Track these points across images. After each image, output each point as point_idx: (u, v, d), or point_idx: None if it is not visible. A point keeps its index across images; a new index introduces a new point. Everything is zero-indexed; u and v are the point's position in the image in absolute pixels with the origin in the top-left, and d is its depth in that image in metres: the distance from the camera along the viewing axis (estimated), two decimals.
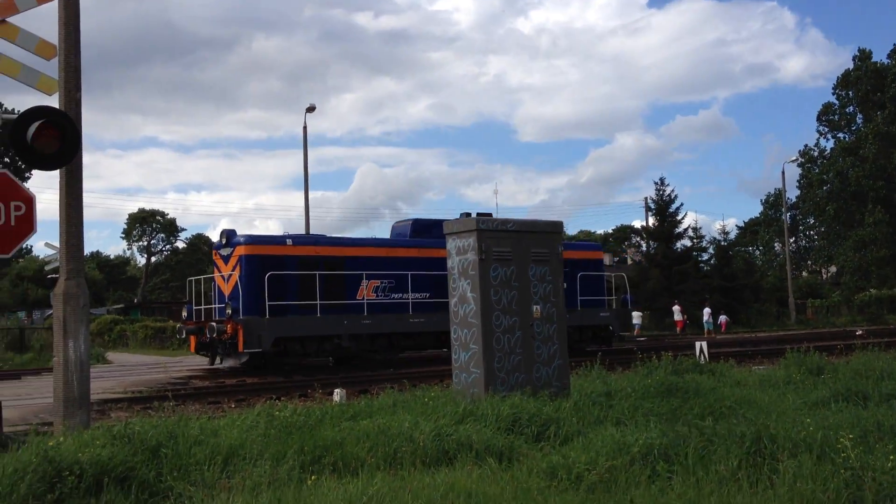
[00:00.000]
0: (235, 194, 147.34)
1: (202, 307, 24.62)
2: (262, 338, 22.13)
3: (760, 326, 53.30)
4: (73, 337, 10.82)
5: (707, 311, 45.88)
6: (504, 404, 9.28)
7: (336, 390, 14.02)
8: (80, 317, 10.93)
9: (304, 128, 40.73)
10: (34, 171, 52.25)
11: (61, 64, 10.81)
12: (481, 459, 7.71)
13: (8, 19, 10.54)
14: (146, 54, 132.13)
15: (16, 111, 10.92)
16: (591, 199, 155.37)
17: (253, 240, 24.05)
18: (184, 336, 24.51)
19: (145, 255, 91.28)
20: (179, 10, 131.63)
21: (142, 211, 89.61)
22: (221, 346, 22.61)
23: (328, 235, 27.16)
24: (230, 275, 23.31)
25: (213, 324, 22.78)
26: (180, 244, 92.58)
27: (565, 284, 27.76)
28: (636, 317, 47.36)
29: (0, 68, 10.59)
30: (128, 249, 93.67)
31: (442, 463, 7.72)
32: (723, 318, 48.39)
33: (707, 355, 19.27)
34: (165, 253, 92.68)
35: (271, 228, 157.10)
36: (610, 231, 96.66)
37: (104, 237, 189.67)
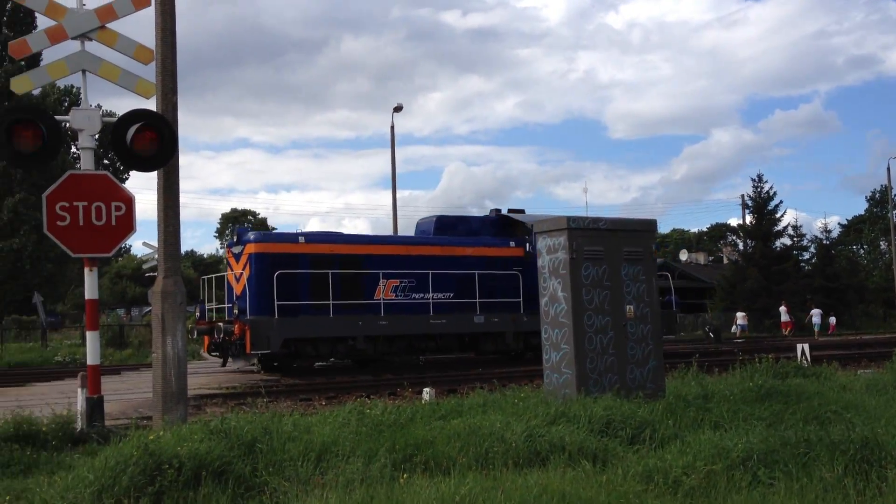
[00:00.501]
0: (324, 194, 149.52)
1: (214, 307, 24.20)
2: (271, 339, 21.43)
3: (866, 329, 51.53)
4: (170, 334, 11.07)
5: (817, 312, 44.50)
6: (597, 406, 9.13)
7: (425, 389, 14.03)
8: (177, 314, 11.18)
9: (392, 127, 40.99)
10: (132, 173, 53.87)
11: (158, 68, 11.07)
12: (574, 461, 7.58)
13: (107, 25, 10.86)
14: (239, 57, 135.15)
15: (115, 114, 11.20)
16: (685, 197, 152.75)
17: (263, 237, 23.49)
18: (195, 336, 23.90)
19: None
20: (271, 12, 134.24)
21: (234, 211, 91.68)
22: (231, 347, 21.99)
23: (345, 233, 25.93)
24: (241, 273, 22.65)
25: (220, 324, 22.48)
26: None
27: None
28: (741, 318, 46.23)
29: (101, 73, 10.91)
30: (221, 248, 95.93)
31: (534, 464, 7.62)
32: (832, 320, 46.96)
33: (809, 358, 18.66)
34: None
35: (360, 228, 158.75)
36: (704, 229, 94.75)
37: (198, 237, 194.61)
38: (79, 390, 10.80)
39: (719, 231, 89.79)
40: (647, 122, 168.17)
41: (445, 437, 8.10)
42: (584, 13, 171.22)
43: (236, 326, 21.59)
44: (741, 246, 61.17)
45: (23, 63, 43.17)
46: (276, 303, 21.62)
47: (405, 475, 7.08)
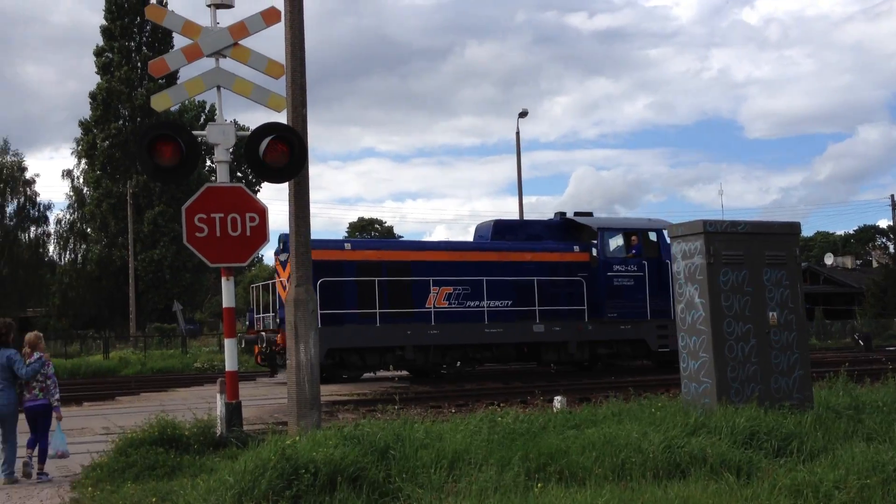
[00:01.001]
0: (450, 201, 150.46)
1: (261, 315, 23.66)
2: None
3: None
4: (303, 341, 11.25)
5: None
6: (739, 416, 8.77)
7: (556, 397, 13.86)
8: (309, 322, 11.36)
9: (517, 133, 40.90)
10: (264, 184, 55.50)
11: (288, 82, 11.29)
12: (717, 474, 7.30)
13: (240, 42, 11.14)
14: (365, 67, 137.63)
15: (247, 128, 11.50)
16: (830, 198, 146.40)
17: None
18: (243, 346, 23.10)
19: None
20: (395, 22, 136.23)
21: (361, 220, 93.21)
22: (277, 357, 21.35)
23: (393, 239, 25.59)
24: (286, 281, 22.30)
25: (263, 333, 22.04)
26: None
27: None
28: None
29: (235, 88, 11.20)
30: None
31: (673, 476, 7.38)
32: None
33: None
34: None
35: None
36: (851, 232, 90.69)
37: None
38: (218, 396, 11.08)
39: (867, 233, 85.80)
40: (786, 121, 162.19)
41: (580, 446, 7.93)
42: (717, 10, 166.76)
43: (279, 336, 20.99)
44: (892, 249, 58.29)
45: (162, 81, 45.16)
46: (318, 311, 20.86)
47: (539, 485, 6.95)
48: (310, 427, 10.55)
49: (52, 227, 54.40)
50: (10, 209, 51.15)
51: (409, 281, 22.29)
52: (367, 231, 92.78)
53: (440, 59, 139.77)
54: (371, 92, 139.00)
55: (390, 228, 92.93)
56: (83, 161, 52.39)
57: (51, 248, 54.41)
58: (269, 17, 11.09)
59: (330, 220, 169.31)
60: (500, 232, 24.49)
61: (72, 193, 55.07)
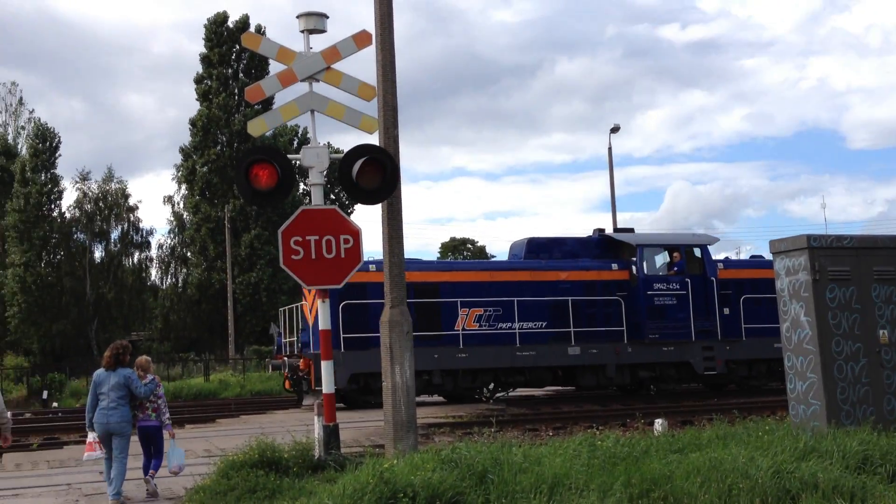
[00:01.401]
0: (543, 219, 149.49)
1: (287, 340, 23.11)
2: (336, 373, 20.12)
3: None
4: (398, 363, 11.24)
5: None
6: (851, 440, 8.38)
7: (657, 420, 13.54)
8: (404, 343, 11.34)
9: (609, 149, 40.45)
10: (356, 206, 56.16)
11: (380, 104, 11.35)
12: (829, 501, 6.99)
13: (332, 66, 11.27)
14: (455, 87, 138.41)
15: (340, 150, 11.60)
16: None
17: None
18: (270, 371, 22.58)
19: None
20: (485, 41, 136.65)
21: (453, 239, 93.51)
22: (304, 382, 20.92)
23: (421, 259, 24.02)
24: (313, 304, 21.24)
25: (286, 358, 21.60)
26: None
27: (727, 310, 22.93)
28: None
29: (328, 112, 11.32)
30: None
31: (783, 503, 7.05)
32: None
33: None
34: None
35: None
36: None
37: None
38: (315, 418, 11.14)
39: None
40: (891, 130, 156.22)
41: (684, 471, 7.68)
42: (814, 17, 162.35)
43: (302, 361, 20.74)
44: None
45: (258, 107, 46.24)
46: (341, 335, 20.38)
47: None
48: (407, 450, 10.51)
49: (154, 252, 56.17)
50: (114, 235, 53.00)
51: (437, 302, 21.60)
52: (460, 251, 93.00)
53: (530, 76, 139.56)
54: (461, 111, 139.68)
55: (483, 248, 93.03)
56: (183, 186, 53.97)
57: (153, 272, 56.19)
58: (361, 40, 11.19)
59: (422, 240, 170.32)
60: (534, 250, 23.43)
61: (172, 218, 56.75)
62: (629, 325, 22.35)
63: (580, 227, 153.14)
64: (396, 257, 11.51)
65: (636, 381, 23.20)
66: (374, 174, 10.78)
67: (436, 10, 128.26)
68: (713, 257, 23.68)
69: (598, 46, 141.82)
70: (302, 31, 11.23)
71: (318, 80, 11.22)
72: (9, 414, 8.95)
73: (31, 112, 58.60)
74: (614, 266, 23.00)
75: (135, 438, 10.42)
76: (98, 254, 52.40)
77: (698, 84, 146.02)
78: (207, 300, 51.76)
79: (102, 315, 49.79)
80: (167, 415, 10.63)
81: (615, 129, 40.05)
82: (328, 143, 62.74)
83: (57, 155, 49.55)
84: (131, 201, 53.58)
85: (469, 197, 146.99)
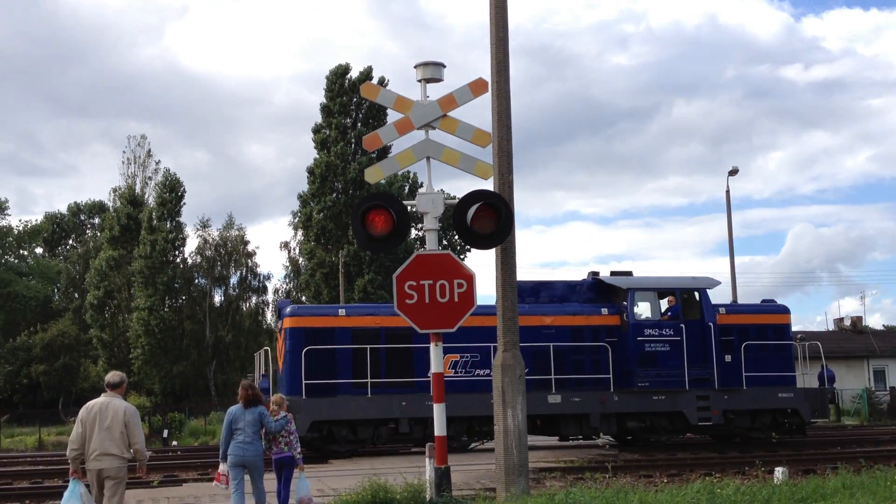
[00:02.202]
0: (657, 263, 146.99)
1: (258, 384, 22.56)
2: (296, 421, 19.50)
3: None
4: (510, 406, 11.30)
5: None
6: None
7: (778, 468, 13.12)
8: (517, 387, 11.40)
9: (727, 191, 39.71)
10: (468, 250, 56.51)
11: (495, 149, 11.55)
12: None
13: (448, 113, 11.53)
14: (569, 131, 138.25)
15: (452, 196, 11.82)
16: None
17: (298, 311, 21.66)
18: None
19: None
20: (600, 84, 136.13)
21: None
22: None
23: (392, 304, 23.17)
24: (282, 349, 21.02)
25: None
26: None
27: (728, 357, 21.51)
28: None
29: (443, 158, 11.57)
30: None
31: None
32: None
33: None
34: None
35: None
36: None
37: None
38: (427, 460, 11.26)
39: None
40: None
41: None
42: None
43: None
44: None
45: (373, 155, 47.27)
46: (303, 381, 19.98)
47: None
48: (519, 494, 10.51)
49: (270, 296, 57.64)
50: (233, 280, 54.65)
51: (409, 348, 20.61)
52: None
53: (646, 119, 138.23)
54: (575, 155, 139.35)
55: None
56: (299, 232, 55.38)
57: (269, 316, 57.55)
58: (477, 88, 11.42)
59: None
60: (519, 294, 22.19)
61: (288, 264, 58.21)
62: (617, 372, 21.25)
63: (697, 271, 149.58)
64: (510, 301, 11.63)
65: (625, 432, 21.92)
66: (489, 219, 10.94)
67: (551, 56, 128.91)
68: (713, 302, 22.35)
69: (718, 88, 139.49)
70: (419, 80, 11.54)
71: (434, 128, 11.49)
72: (148, 453, 9.47)
73: (158, 163, 61.30)
74: (604, 311, 21.87)
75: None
76: (217, 298, 54.12)
77: (822, 124, 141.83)
78: None
79: (220, 357, 51.26)
80: (298, 449, 11.41)
81: (733, 172, 39.32)
82: (441, 189, 63.56)
83: (182, 203, 51.65)
84: (249, 247, 55.29)
85: (581, 241, 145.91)
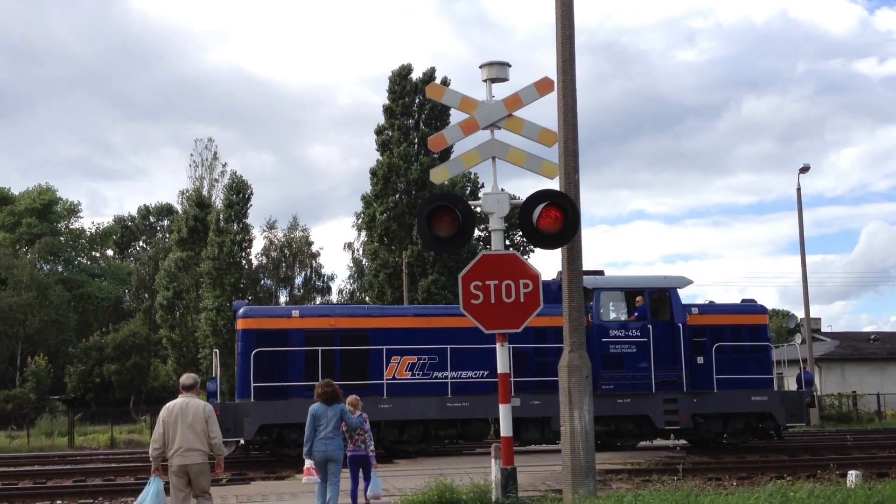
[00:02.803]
0: (725, 262, 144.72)
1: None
2: (245, 424, 19.11)
3: None
4: (577, 407, 11.23)
5: None
6: None
7: (851, 472, 12.82)
8: (583, 388, 11.32)
9: (798, 189, 39.03)
10: (533, 250, 56.31)
11: (561, 149, 11.49)
12: None
13: (513, 113, 11.50)
14: (635, 129, 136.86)
15: (516, 196, 11.77)
16: None
17: (249, 312, 21.01)
18: None
19: None
20: (667, 82, 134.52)
21: None
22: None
23: (349, 305, 22.33)
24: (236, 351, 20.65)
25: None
26: None
27: (701, 359, 20.61)
28: None
29: (508, 158, 11.56)
30: None
31: None
32: None
33: None
34: None
35: (765, 296, 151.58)
36: None
37: None
38: (493, 461, 11.25)
39: None
40: None
41: None
42: None
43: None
44: None
45: (435, 156, 47.40)
46: (252, 384, 19.64)
47: None
48: (586, 496, 10.44)
49: (334, 297, 58.21)
50: (298, 280, 55.37)
51: (365, 350, 20.30)
52: None
53: (714, 116, 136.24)
54: (641, 153, 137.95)
55: None
56: (363, 233, 55.87)
57: None
58: (543, 87, 11.38)
59: None
60: None
61: (352, 264, 58.76)
62: None
63: (765, 270, 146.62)
64: (576, 302, 11.55)
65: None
66: (555, 219, 10.90)
67: (617, 53, 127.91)
68: (684, 301, 21.60)
69: (789, 83, 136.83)
70: (485, 80, 11.54)
71: (499, 128, 11.48)
72: (225, 449, 10.08)
73: (224, 165, 62.36)
74: None
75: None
76: (283, 298, 54.80)
77: None
78: None
79: None
80: (372, 447, 12.03)
81: (805, 169, 38.61)
82: (502, 188, 63.42)
83: (248, 205, 52.44)
84: (314, 248, 55.92)
85: (647, 241, 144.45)
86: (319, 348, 19.95)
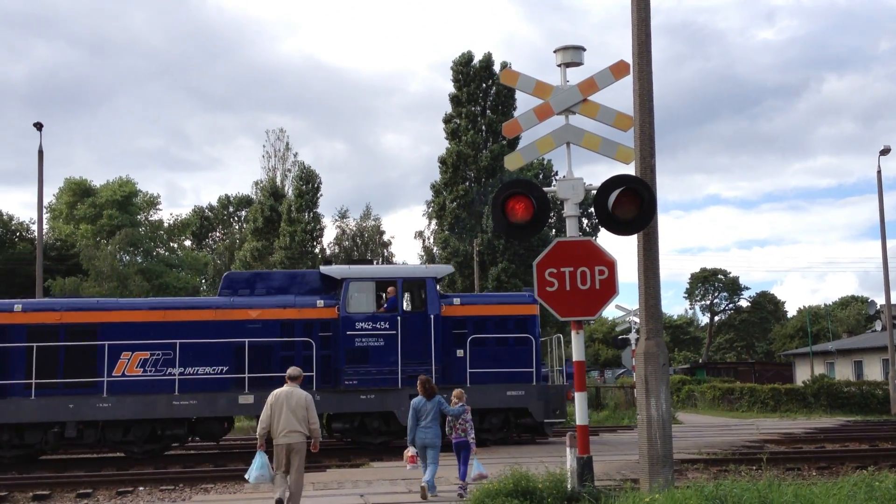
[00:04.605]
0: (803, 247, 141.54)
1: None
2: None
3: None
4: (654, 395, 11.06)
5: None
6: None
7: None
8: (660, 376, 11.16)
9: (879, 171, 38.01)
10: (600, 236, 55.82)
11: (636, 133, 11.30)
12: None
13: (588, 98, 11.38)
14: (712, 111, 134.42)
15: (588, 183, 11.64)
16: None
17: None
18: None
19: (708, 315, 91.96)
20: (745, 61, 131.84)
21: (703, 270, 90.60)
22: None
23: (77, 298, 21.53)
24: None
25: None
26: (743, 302, 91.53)
27: (460, 352, 19.62)
28: None
29: (583, 143, 11.44)
30: (690, 309, 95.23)
31: None
32: None
33: None
34: (729, 312, 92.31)
35: (844, 282, 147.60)
36: None
37: (668, 297, 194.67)
38: (568, 450, 11.18)
39: None
40: None
41: None
42: None
43: None
44: None
45: (504, 142, 47.23)
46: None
47: None
48: (664, 485, 10.29)
49: None
50: None
51: (91, 346, 19.25)
52: (710, 282, 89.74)
53: (794, 97, 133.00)
54: (718, 136, 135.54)
55: (735, 279, 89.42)
56: (433, 222, 56.03)
57: None
58: (619, 71, 11.23)
59: (671, 271, 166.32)
60: (231, 286, 20.71)
61: (423, 253, 58.95)
62: (329, 370, 19.72)
63: (846, 255, 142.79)
64: (652, 289, 11.38)
65: (330, 432, 20.26)
66: (631, 205, 10.76)
67: (693, 33, 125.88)
68: (442, 292, 20.58)
69: (872, 61, 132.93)
70: (559, 65, 11.43)
71: (574, 113, 11.37)
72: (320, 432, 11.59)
73: (295, 155, 63.09)
74: (320, 303, 20.16)
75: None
76: None
77: None
78: None
79: None
80: (472, 434, 12.83)
81: (885, 151, 37.54)
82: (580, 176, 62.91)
83: (319, 195, 53.00)
84: (385, 237, 56.25)
85: (722, 226, 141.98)
86: (37, 344, 18.95)
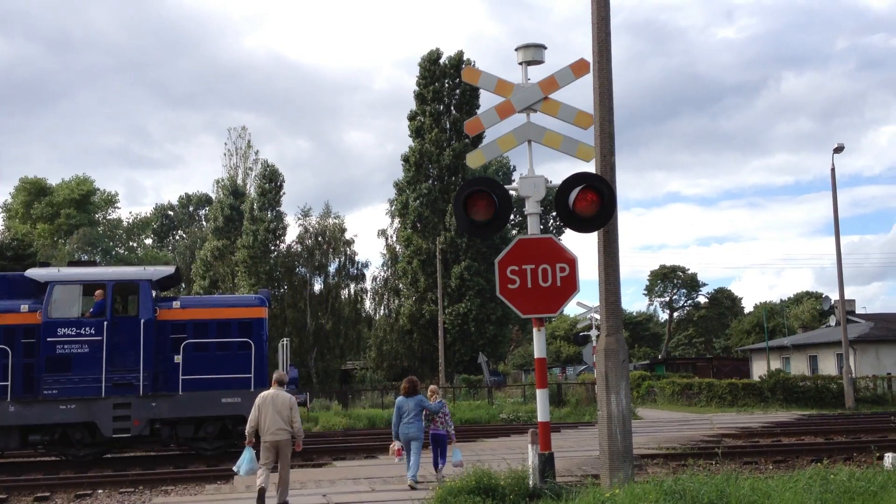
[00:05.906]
0: (761, 244, 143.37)
1: None
2: None
3: None
4: (614, 391, 11.16)
5: None
6: None
7: (888, 454, 12.74)
8: (620, 372, 11.25)
9: (832, 169, 38.58)
10: (562, 234, 56.12)
11: (596, 131, 11.39)
12: None
13: (549, 96, 11.45)
14: (673, 109, 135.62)
15: (550, 181, 11.72)
16: None
17: None
18: None
19: (668, 311, 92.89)
20: (706, 60, 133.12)
21: (663, 267, 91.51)
22: None
23: None
24: None
25: None
26: (702, 299, 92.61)
27: (177, 358, 18.66)
28: None
29: (544, 141, 11.51)
30: (650, 305, 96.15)
31: None
32: None
33: None
34: (687, 308, 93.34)
35: (800, 279, 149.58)
36: None
37: (628, 294, 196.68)
38: (529, 447, 11.24)
39: None
40: None
41: None
42: None
43: None
44: None
45: (467, 141, 47.32)
46: None
47: None
48: (624, 481, 10.40)
49: (368, 284, 58.36)
50: (332, 268, 55.54)
51: None
52: (670, 279, 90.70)
53: (753, 95, 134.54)
54: (678, 134, 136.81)
55: (694, 275, 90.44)
56: (396, 220, 56.01)
57: (367, 303, 58.35)
58: (579, 69, 11.31)
59: (631, 268, 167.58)
60: None
61: (386, 252, 58.90)
62: (26, 379, 18.49)
63: (803, 252, 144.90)
64: (612, 286, 11.46)
65: (29, 446, 18.87)
66: (591, 202, 10.83)
67: (655, 31, 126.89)
68: (166, 295, 19.88)
69: (829, 60, 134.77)
70: (520, 63, 11.49)
71: (535, 111, 11.43)
72: (302, 432, 12.24)
73: (257, 153, 62.72)
74: (24, 307, 18.82)
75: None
76: (317, 286, 55.06)
77: None
78: (419, 330, 53.20)
79: (321, 344, 52.16)
80: (451, 427, 14.12)
81: (839, 149, 38.14)
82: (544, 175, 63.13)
83: (281, 193, 52.71)
84: (348, 235, 56.05)
85: (682, 223, 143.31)
86: None
